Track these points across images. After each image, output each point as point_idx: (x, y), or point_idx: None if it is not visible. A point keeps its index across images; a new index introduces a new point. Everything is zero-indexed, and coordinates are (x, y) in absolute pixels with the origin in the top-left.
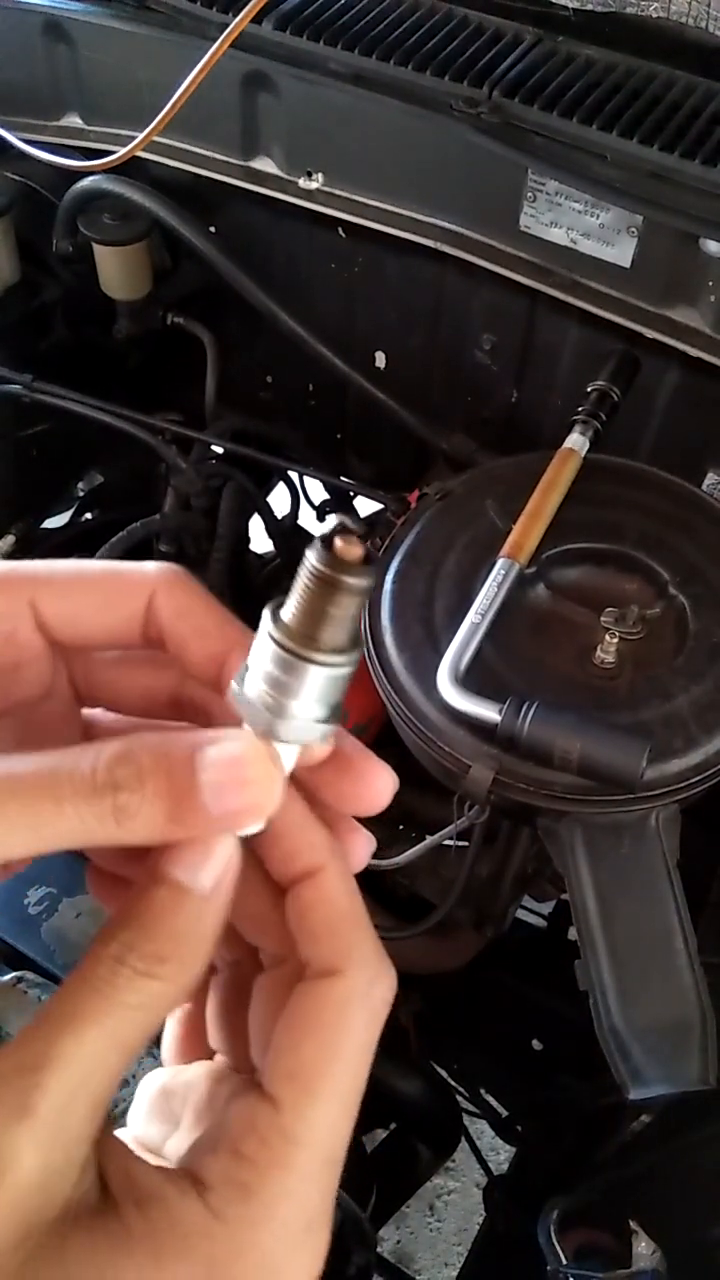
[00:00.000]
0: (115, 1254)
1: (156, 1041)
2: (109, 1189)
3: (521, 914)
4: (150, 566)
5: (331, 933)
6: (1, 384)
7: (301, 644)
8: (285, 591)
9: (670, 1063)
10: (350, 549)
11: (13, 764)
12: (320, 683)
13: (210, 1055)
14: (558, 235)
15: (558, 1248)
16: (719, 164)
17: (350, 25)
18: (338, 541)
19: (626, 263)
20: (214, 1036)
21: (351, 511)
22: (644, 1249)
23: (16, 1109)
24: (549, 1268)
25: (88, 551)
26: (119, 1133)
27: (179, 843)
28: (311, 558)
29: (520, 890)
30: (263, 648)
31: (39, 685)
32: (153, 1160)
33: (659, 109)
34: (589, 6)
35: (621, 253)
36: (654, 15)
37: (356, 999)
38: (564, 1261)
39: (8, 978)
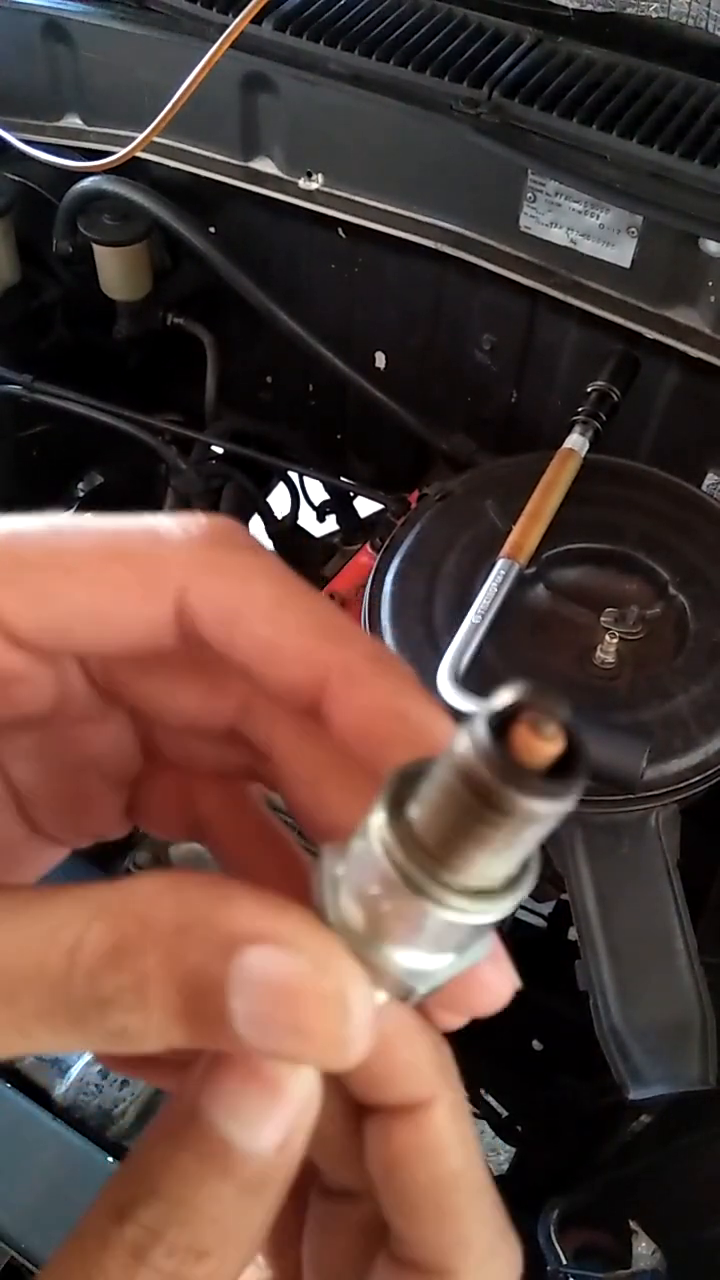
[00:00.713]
0: None
1: None
2: None
3: (521, 914)
4: (180, 537)
5: (439, 1213)
6: (1, 384)
7: (430, 873)
8: None
9: (670, 1063)
10: (542, 745)
11: None
12: (446, 932)
13: None
14: (558, 235)
15: (558, 1248)
16: (719, 164)
17: (350, 25)
18: (520, 732)
19: (626, 263)
20: None
21: (351, 512)
22: (644, 1249)
23: None
24: (549, 1268)
25: None
26: None
27: (231, 1078)
28: (466, 750)
29: None
30: (368, 849)
31: (41, 700)
32: None
33: (659, 109)
34: (589, 6)
35: (621, 253)
36: (654, 15)
37: None
38: (564, 1261)
39: None
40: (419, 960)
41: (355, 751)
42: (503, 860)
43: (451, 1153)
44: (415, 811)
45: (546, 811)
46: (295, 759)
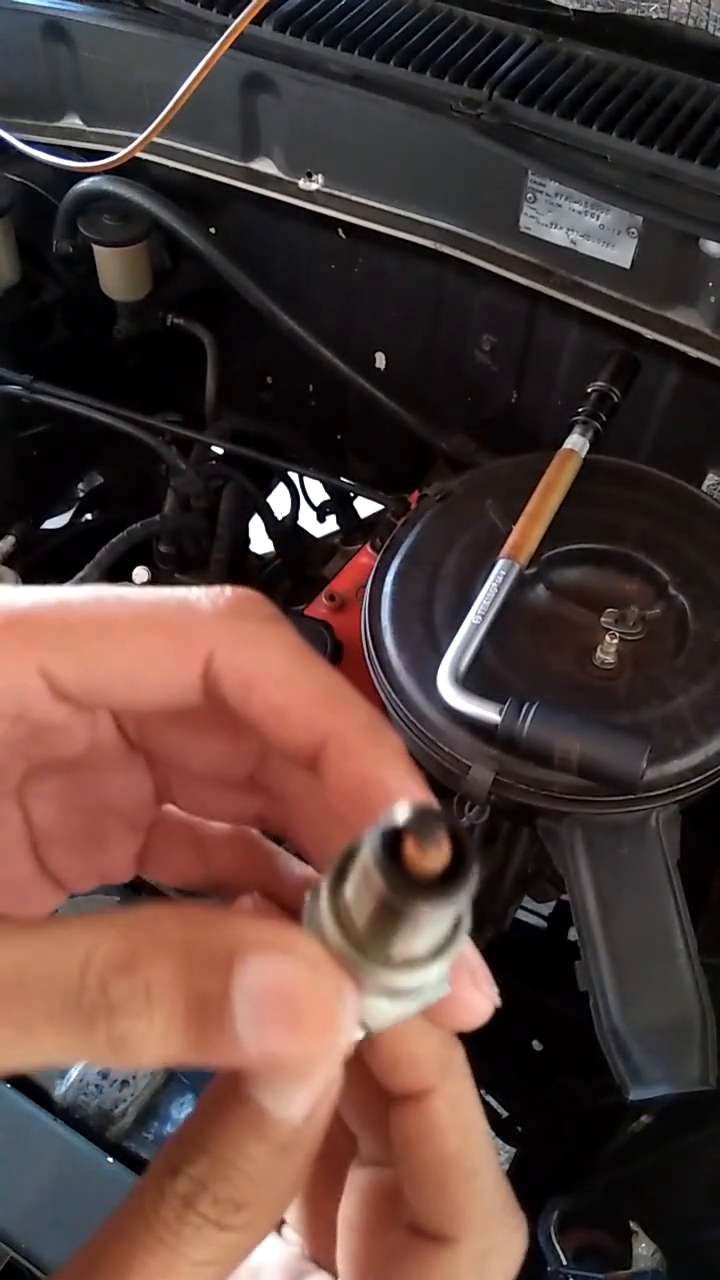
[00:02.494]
0: None
1: None
2: None
3: (521, 914)
4: (209, 609)
5: (440, 1187)
6: (1, 384)
7: (365, 953)
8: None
9: (670, 1063)
10: (428, 858)
11: None
12: (392, 989)
13: (280, 1222)
14: (558, 236)
15: (558, 1248)
16: (719, 165)
17: (350, 26)
18: (407, 848)
19: (626, 263)
20: (293, 1213)
21: (351, 512)
22: (644, 1249)
23: None
24: (549, 1268)
25: (87, 552)
26: None
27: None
28: (367, 858)
29: (520, 890)
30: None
31: (75, 745)
32: None
33: (659, 110)
34: (589, 7)
35: (621, 253)
36: (654, 16)
37: (466, 1275)
38: (564, 1262)
39: None
40: (380, 1009)
41: (342, 812)
42: (420, 941)
43: (448, 1136)
44: (349, 892)
45: (435, 914)
46: (304, 805)
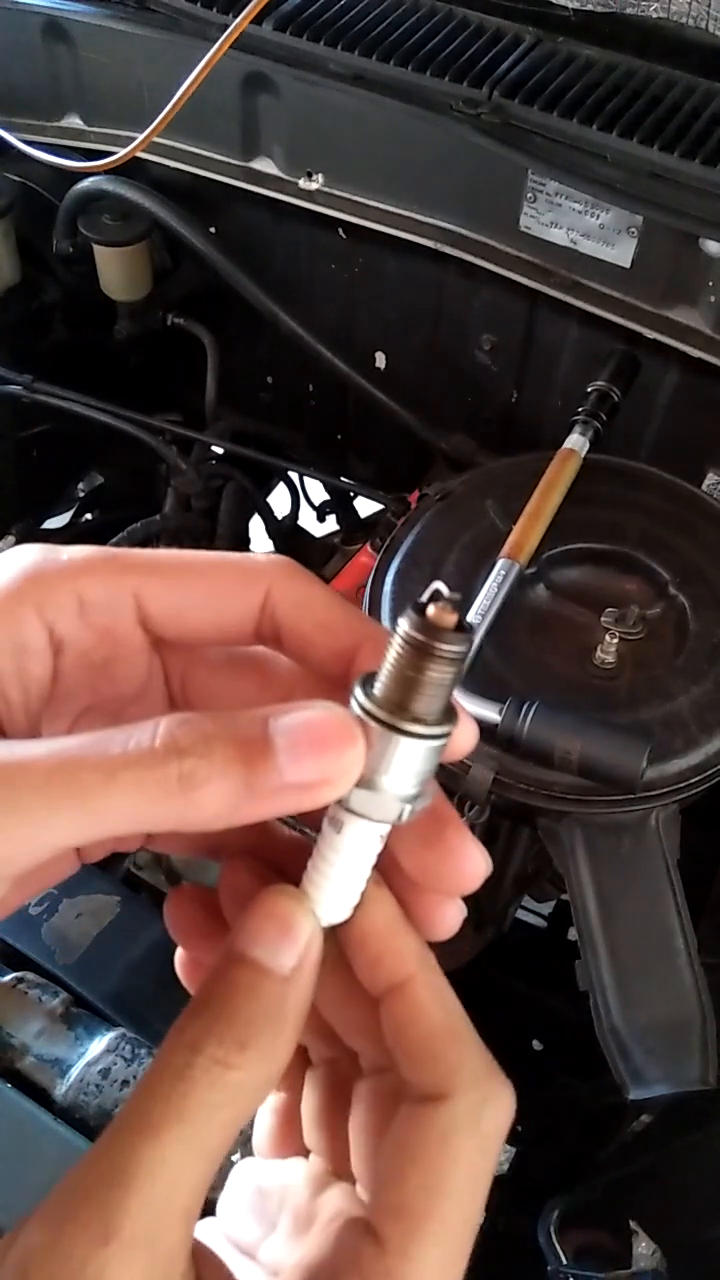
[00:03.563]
0: None
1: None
2: None
3: (521, 914)
4: (265, 557)
5: (430, 1055)
6: (1, 384)
7: (392, 713)
8: None
9: (670, 1063)
10: (445, 615)
11: (61, 740)
12: (412, 755)
13: (305, 1151)
14: (558, 235)
15: (558, 1248)
16: (719, 164)
17: (350, 26)
18: (432, 609)
19: (626, 263)
20: (310, 1136)
21: (351, 512)
22: (644, 1249)
23: (101, 1233)
24: (549, 1268)
25: None
26: (210, 1221)
27: (255, 921)
28: (404, 624)
29: (520, 890)
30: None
31: (133, 683)
32: (247, 1266)
33: (659, 109)
34: (589, 6)
35: (621, 253)
36: (654, 15)
37: (463, 1128)
38: (564, 1261)
39: (8, 978)
40: (397, 784)
41: None
42: (436, 698)
43: (432, 1011)
44: (376, 683)
45: (453, 651)
46: None
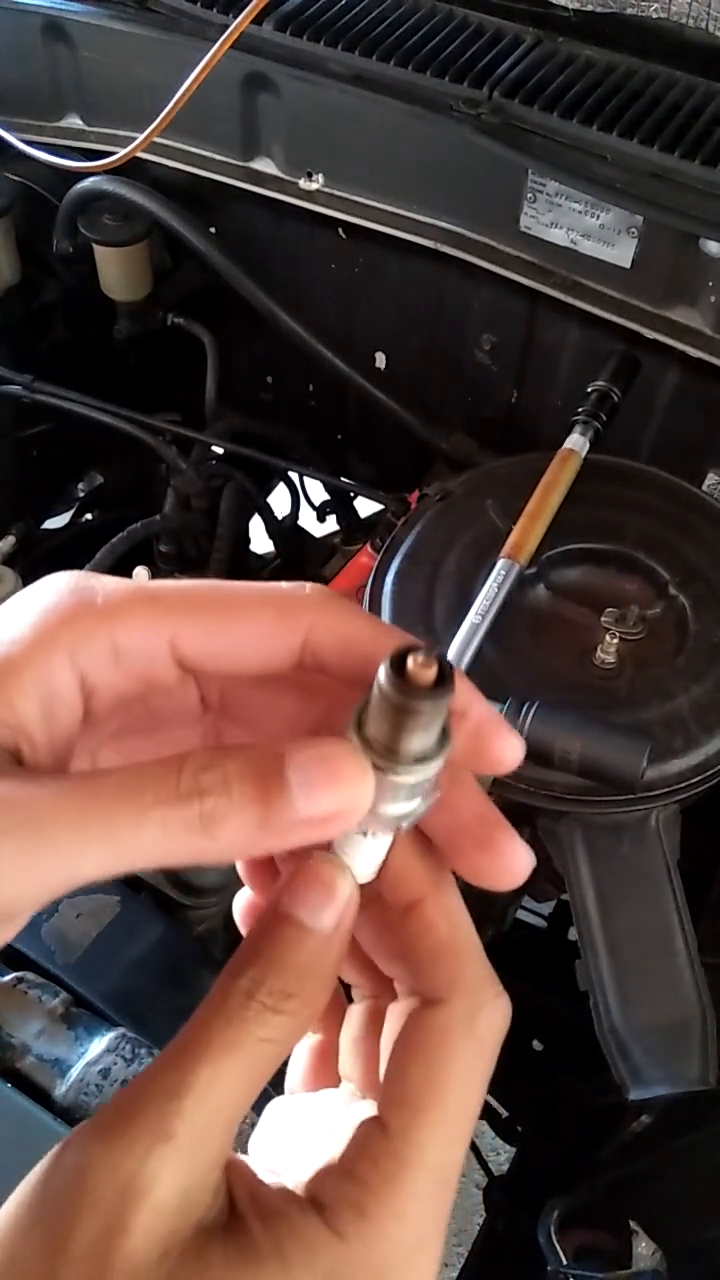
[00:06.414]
0: (246, 1267)
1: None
2: (236, 1208)
3: (521, 914)
4: (306, 593)
5: (433, 961)
6: (1, 384)
7: (383, 757)
8: None
9: (670, 1063)
10: (423, 671)
11: (92, 776)
12: (405, 789)
13: (337, 1082)
14: (558, 236)
15: (558, 1248)
16: (719, 164)
17: (350, 26)
18: (409, 664)
19: (627, 263)
20: (347, 1063)
21: (351, 512)
22: (644, 1249)
23: (159, 1133)
24: (549, 1268)
25: (87, 552)
26: (243, 1157)
27: (302, 883)
28: (381, 680)
29: (520, 890)
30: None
31: (168, 706)
32: (275, 1182)
33: (659, 110)
34: (589, 7)
35: (622, 253)
36: (654, 15)
37: (458, 1026)
38: (564, 1261)
39: (8, 978)
40: (394, 809)
41: None
42: (421, 739)
43: (439, 926)
44: (369, 724)
45: (429, 707)
46: None
